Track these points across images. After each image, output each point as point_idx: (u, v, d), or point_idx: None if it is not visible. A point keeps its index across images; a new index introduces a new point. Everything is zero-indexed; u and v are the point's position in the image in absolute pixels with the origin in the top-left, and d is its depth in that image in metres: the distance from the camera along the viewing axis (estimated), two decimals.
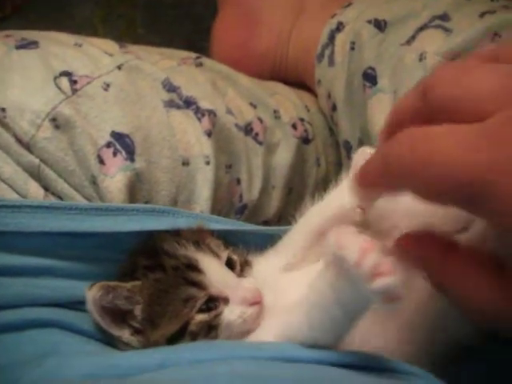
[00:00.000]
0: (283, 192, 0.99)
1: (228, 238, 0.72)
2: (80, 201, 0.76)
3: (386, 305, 0.43)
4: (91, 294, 0.60)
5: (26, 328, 0.60)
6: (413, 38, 0.91)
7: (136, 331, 0.63)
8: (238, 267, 0.67)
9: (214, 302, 0.62)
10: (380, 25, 0.97)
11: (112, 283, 0.62)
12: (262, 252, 0.72)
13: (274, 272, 0.68)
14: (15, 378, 0.53)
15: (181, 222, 0.70)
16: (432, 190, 0.40)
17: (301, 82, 1.16)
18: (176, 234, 0.68)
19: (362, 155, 0.63)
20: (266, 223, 0.99)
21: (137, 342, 0.63)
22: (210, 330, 0.62)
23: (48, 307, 0.63)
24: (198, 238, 0.67)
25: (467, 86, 0.41)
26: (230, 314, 0.62)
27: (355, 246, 0.43)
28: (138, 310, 0.63)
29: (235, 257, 0.68)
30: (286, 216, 1.02)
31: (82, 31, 1.46)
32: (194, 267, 0.63)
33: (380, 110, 0.92)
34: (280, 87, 1.12)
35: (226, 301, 0.63)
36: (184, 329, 0.61)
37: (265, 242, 0.73)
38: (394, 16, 0.96)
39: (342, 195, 0.65)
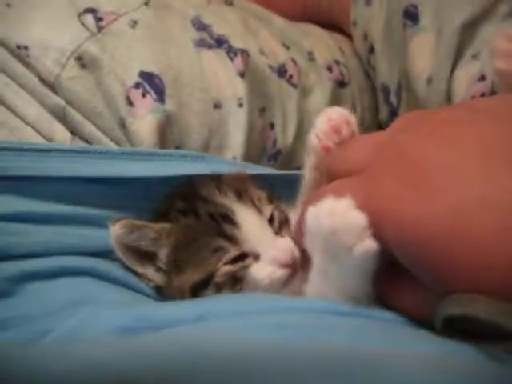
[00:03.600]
0: None
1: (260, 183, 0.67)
2: (108, 144, 0.73)
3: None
4: (114, 230, 0.58)
5: (58, 276, 0.57)
6: None
7: (160, 269, 0.60)
8: (276, 224, 0.62)
9: (242, 258, 0.58)
10: None
11: (138, 222, 0.59)
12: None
13: None
14: (47, 328, 0.50)
15: (215, 169, 0.66)
16: None
17: (334, 25, 1.11)
18: (217, 179, 0.64)
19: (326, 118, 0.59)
20: (298, 170, 0.95)
21: (161, 280, 0.60)
22: (236, 282, 0.58)
23: (80, 255, 0.60)
24: (241, 186, 0.63)
25: (346, 158, 0.53)
26: (258, 271, 0.58)
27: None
28: (162, 254, 0.60)
29: (276, 213, 0.63)
30: None
31: None
32: (229, 219, 0.59)
33: (422, 51, 0.86)
34: (313, 28, 1.07)
35: (256, 257, 0.58)
36: (209, 279, 0.58)
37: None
38: None
39: None
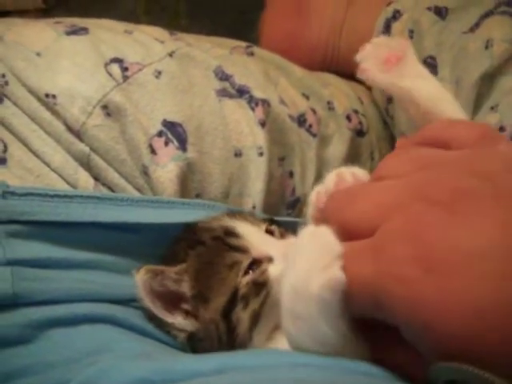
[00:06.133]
0: None
1: None
2: (131, 191, 0.74)
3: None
4: (139, 276, 0.58)
5: (79, 323, 0.57)
6: (476, 25, 0.87)
7: (189, 314, 0.61)
8: (277, 234, 0.65)
9: (257, 264, 0.60)
10: (441, 12, 0.92)
11: (159, 267, 0.60)
12: None
13: None
14: (66, 377, 0.50)
15: None
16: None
17: (353, 75, 1.12)
18: None
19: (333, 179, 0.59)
20: None
21: (191, 326, 0.60)
22: (260, 289, 0.59)
23: (100, 302, 0.60)
24: (234, 212, 0.68)
25: (352, 213, 0.46)
26: (278, 270, 0.59)
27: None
28: (186, 288, 0.61)
29: (273, 226, 0.66)
30: None
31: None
32: (232, 233, 0.62)
33: None
34: (332, 78, 1.08)
35: (270, 260, 0.61)
36: (234, 296, 0.59)
37: None
38: (456, 3, 0.92)
39: None
